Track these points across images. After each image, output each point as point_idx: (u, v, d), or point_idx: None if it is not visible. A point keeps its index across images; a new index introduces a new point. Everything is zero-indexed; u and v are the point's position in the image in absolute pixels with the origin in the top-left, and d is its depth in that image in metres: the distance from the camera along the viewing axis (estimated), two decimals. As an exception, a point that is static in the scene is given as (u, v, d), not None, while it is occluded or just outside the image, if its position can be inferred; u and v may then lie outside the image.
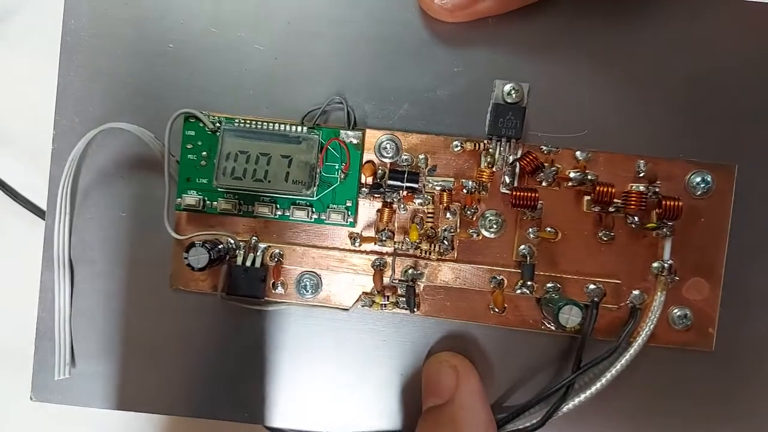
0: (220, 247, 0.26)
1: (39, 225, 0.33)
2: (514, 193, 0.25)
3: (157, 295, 0.27)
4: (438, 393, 0.25)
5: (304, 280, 0.27)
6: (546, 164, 0.26)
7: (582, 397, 0.26)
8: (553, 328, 0.26)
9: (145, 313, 0.27)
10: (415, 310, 0.26)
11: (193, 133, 0.26)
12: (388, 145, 0.26)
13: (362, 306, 0.26)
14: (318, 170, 0.25)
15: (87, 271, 0.27)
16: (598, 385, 0.26)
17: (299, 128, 0.25)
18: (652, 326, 0.26)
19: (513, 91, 0.26)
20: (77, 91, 0.27)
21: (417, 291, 0.26)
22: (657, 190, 0.25)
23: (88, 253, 0.27)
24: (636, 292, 0.26)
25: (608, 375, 0.26)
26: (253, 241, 0.26)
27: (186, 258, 0.25)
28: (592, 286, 0.26)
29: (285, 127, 0.25)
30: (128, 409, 0.27)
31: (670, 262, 0.26)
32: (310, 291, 0.27)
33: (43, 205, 0.32)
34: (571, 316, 0.24)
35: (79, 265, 0.27)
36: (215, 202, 0.26)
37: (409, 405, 0.27)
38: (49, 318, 0.27)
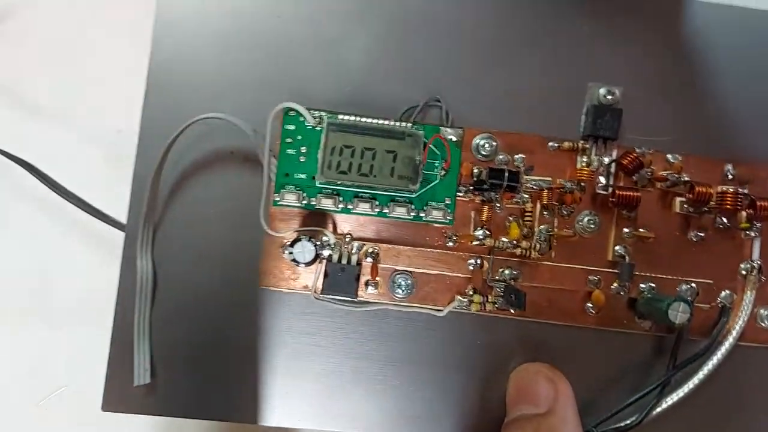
0: (317, 244, 0.25)
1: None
2: (617, 192, 0.25)
3: (245, 296, 0.26)
4: (534, 401, 0.25)
5: (399, 280, 0.26)
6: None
7: (676, 395, 0.26)
8: (646, 327, 0.26)
9: (230, 315, 0.26)
10: (524, 307, 0.25)
11: (293, 127, 0.25)
12: (486, 144, 0.26)
13: (458, 307, 0.26)
14: (422, 166, 0.25)
15: (169, 270, 0.26)
16: (691, 384, 0.26)
17: (404, 124, 0.25)
18: (742, 324, 0.26)
19: (609, 94, 0.26)
20: (166, 84, 0.26)
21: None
22: (746, 191, 0.26)
23: (170, 252, 0.26)
24: (726, 291, 0.27)
25: (701, 374, 0.26)
26: (347, 239, 0.26)
27: (291, 253, 0.24)
28: (685, 286, 0.26)
29: (389, 122, 0.25)
30: (214, 418, 0.26)
31: (759, 262, 0.26)
32: (404, 290, 0.26)
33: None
34: (680, 312, 0.24)
35: (161, 262, 0.26)
36: (314, 199, 0.25)
37: (491, 410, 0.27)
38: (126, 321, 0.25)
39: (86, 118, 0.31)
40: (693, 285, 0.26)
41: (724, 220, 0.26)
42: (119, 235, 0.26)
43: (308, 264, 0.24)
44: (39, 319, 0.31)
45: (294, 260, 0.24)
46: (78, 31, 0.31)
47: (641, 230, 0.26)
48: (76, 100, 0.31)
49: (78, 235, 0.31)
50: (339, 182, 0.25)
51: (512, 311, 0.26)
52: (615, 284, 0.26)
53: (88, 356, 0.29)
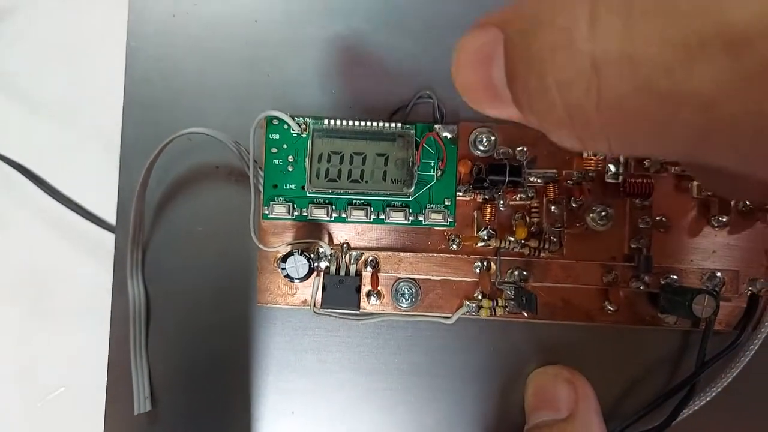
0: (312, 256, 0.24)
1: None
2: (628, 180, 0.24)
3: (242, 314, 0.25)
4: (553, 407, 0.23)
5: (402, 288, 0.25)
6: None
7: (707, 394, 0.24)
8: (670, 323, 0.25)
9: (228, 335, 0.25)
10: (536, 311, 0.24)
11: (277, 136, 0.24)
12: (484, 138, 0.25)
13: (466, 313, 0.25)
14: (416, 168, 0.24)
15: (162, 292, 0.25)
16: (725, 382, 0.24)
17: (394, 124, 0.24)
18: (775, 313, 0.24)
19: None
20: (144, 99, 0.25)
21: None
22: (770, 169, 0.24)
23: (163, 272, 0.25)
24: (755, 278, 0.25)
25: (735, 369, 0.24)
26: (345, 248, 0.24)
27: (284, 269, 0.23)
28: (709, 276, 0.25)
29: (378, 124, 0.24)
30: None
31: (789, 244, 0.24)
32: (408, 300, 0.25)
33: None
34: (705, 306, 0.22)
35: (153, 285, 0.25)
36: (305, 210, 0.24)
37: (509, 418, 0.25)
38: (121, 348, 0.25)
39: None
40: (718, 275, 0.25)
41: (747, 202, 0.25)
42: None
43: (303, 279, 0.23)
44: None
45: (287, 276, 0.23)
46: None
47: (658, 218, 0.25)
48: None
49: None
50: (330, 191, 0.24)
51: (525, 314, 0.24)
52: (634, 278, 0.24)
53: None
